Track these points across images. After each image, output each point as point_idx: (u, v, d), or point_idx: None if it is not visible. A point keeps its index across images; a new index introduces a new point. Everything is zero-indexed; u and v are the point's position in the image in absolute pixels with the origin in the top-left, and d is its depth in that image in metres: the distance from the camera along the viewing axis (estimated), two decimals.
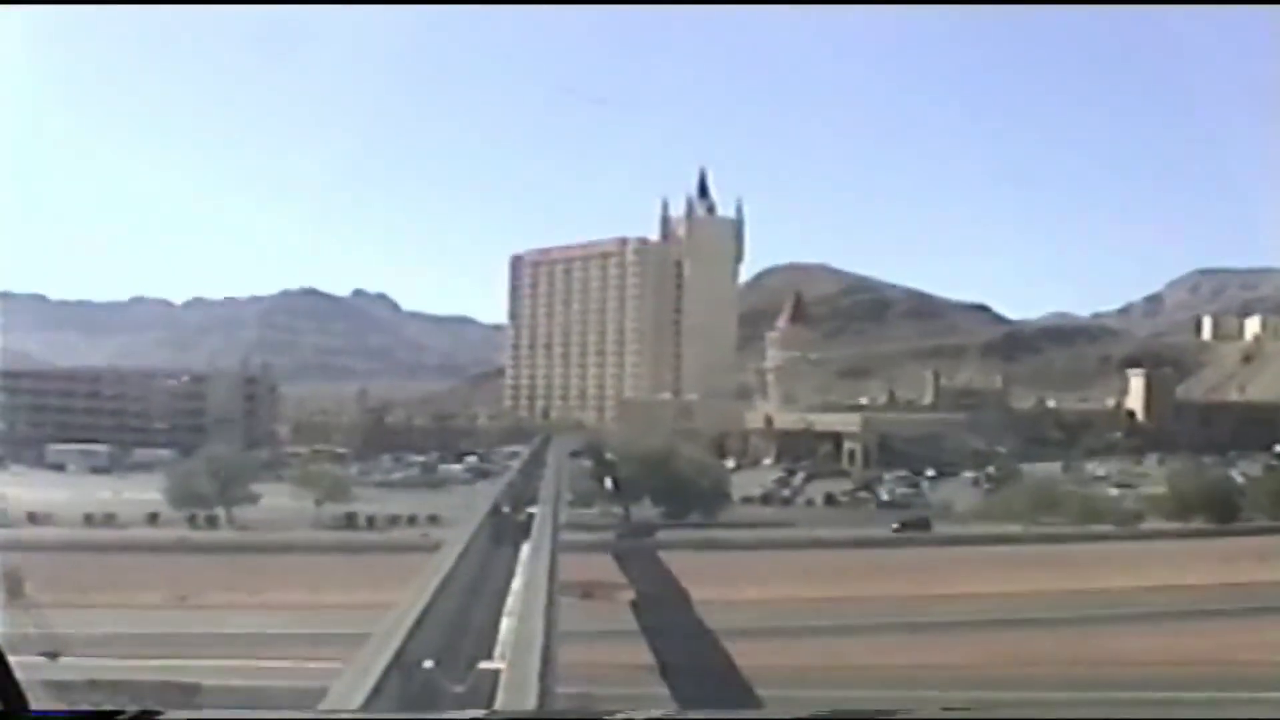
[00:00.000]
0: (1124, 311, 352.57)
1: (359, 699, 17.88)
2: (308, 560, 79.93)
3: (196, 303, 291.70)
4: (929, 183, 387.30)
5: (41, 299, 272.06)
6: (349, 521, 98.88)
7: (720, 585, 72.71)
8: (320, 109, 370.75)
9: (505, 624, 32.70)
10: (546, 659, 25.79)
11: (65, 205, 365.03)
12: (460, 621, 36.05)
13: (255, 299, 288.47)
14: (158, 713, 3.37)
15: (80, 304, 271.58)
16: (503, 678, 23.08)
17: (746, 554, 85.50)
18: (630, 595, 74.40)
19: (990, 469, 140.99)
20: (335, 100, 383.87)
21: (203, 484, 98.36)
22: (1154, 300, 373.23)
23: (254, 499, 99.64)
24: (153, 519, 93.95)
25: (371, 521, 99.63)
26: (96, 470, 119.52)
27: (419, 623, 26.58)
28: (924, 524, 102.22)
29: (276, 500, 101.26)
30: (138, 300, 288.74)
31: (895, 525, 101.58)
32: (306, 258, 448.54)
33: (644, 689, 47.88)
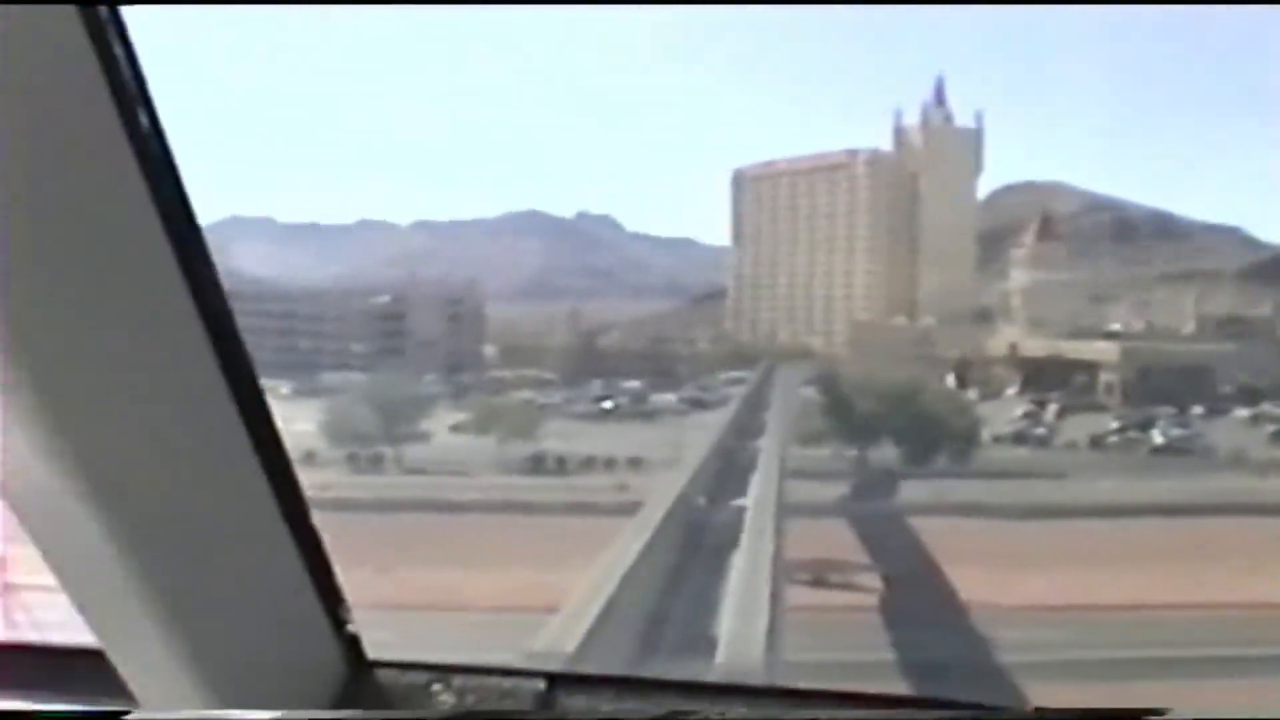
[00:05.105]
0: None
1: None
2: (473, 523, 61.84)
3: (421, 225, 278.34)
4: (1165, 95, 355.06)
5: (270, 221, 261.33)
6: (535, 465, 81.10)
7: (995, 572, 52.59)
8: (540, 29, 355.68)
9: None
10: None
11: (291, 128, 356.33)
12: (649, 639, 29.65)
13: (479, 221, 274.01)
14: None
15: (309, 226, 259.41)
16: None
17: (1017, 524, 64.11)
18: (875, 583, 54.08)
19: (1266, 405, 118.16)
20: (555, 22, 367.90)
21: (368, 417, 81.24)
22: None
23: (425, 436, 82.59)
24: (309, 458, 76.72)
25: (562, 464, 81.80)
26: None
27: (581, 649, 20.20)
28: None
29: (458, 437, 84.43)
30: (363, 223, 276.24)
31: None
32: (530, 179, 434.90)
33: None
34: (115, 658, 2.62)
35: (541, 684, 2.89)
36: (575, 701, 2.91)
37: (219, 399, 2.51)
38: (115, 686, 2.67)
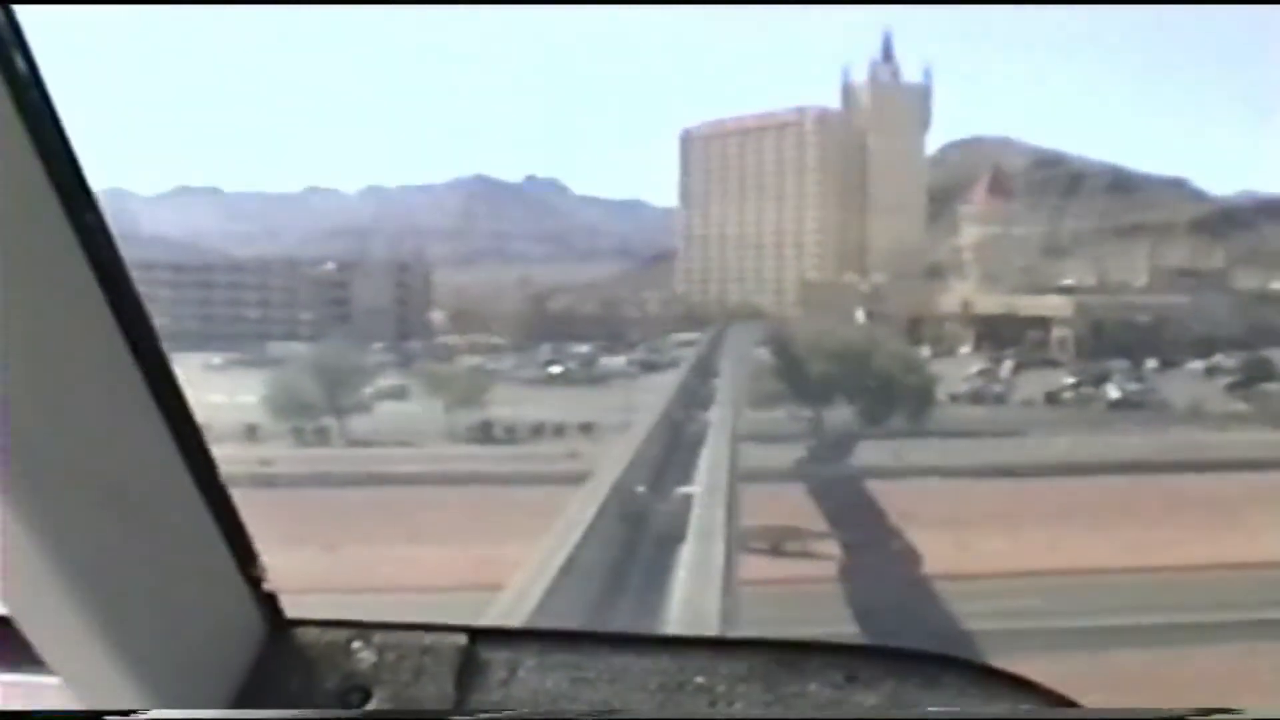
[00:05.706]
0: None
1: None
2: (421, 496, 59.47)
3: (370, 192, 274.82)
4: (1112, 49, 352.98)
5: (217, 191, 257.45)
6: (484, 433, 78.83)
7: (955, 534, 50.39)
8: None
9: None
10: None
11: (239, 98, 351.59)
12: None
13: (427, 187, 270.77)
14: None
15: (256, 195, 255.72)
16: None
17: (976, 484, 62.44)
18: (835, 551, 52.21)
19: (1219, 357, 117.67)
20: None
21: (311, 388, 78.70)
22: None
23: (368, 406, 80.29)
24: (251, 432, 74.10)
25: (511, 432, 79.72)
26: None
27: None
28: None
29: (405, 405, 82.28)
30: (311, 190, 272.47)
31: None
32: (477, 144, 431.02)
33: None
34: (22, 624, 2.52)
35: (463, 639, 2.82)
36: (498, 655, 2.84)
37: (119, 357, 2.43)
38: (26, 653, 2.59)
